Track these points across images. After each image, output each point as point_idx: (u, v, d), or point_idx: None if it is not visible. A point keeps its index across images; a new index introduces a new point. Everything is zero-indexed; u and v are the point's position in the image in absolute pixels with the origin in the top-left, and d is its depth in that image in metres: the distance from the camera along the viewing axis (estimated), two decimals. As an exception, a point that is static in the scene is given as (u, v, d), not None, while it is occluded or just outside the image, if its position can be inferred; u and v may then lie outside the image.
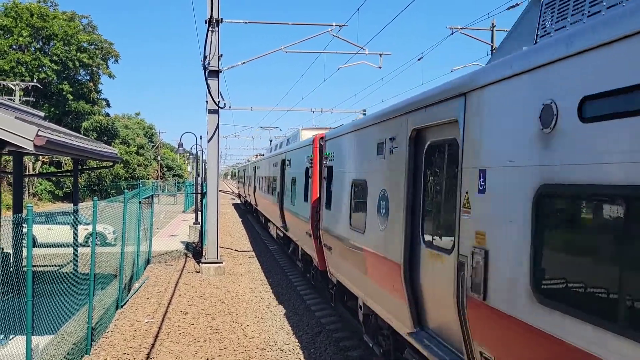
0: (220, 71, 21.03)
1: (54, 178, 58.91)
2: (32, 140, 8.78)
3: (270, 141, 48.09)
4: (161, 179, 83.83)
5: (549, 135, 4.44)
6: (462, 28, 26.03)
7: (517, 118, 4.94)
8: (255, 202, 37.72)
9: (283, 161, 21.96)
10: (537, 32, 5.56)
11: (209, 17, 20.01)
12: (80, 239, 15.74)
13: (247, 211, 52.71)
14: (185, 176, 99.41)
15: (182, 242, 26.88)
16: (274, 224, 26.66)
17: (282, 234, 23.80)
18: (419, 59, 26.60)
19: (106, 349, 11.87)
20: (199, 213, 28.35)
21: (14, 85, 51.29)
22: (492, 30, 29.16)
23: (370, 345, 10.45)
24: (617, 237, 3.85)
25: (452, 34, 25.73)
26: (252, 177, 40.21)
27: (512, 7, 23.13)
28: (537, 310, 4.51)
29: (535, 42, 5.49)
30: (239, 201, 69.70)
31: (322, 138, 14.75)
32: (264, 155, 39.69)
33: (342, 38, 23.01)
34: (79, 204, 15.26)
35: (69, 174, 30.21)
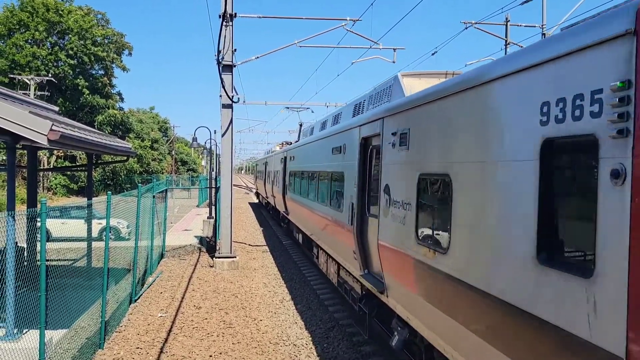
0: (234, 66, 21.00)
1: (68, 172, 59.34)
2: (46, 135, 8.79)
3: (300, 125, 35.61)
4: (175, 173, 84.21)
5: None
6: (476, 23, 25.75)
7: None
8: (286, 209, 25.58)
9: (366, 141, 10.95)
10: None
11: (223, 11, 19.98)
12: (95, 233, 15.79)
13: (261, 205, 52.64)
14: (200, 170, 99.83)
15: (195, 236, 26.95)
16: (330, 256, 15.64)
17: (360, 290, 12.06)
18: (433, 54, 26.39)
19: (120, 343, 11.91)
20: (213, 207, 28.39)
21: (29, 80, 51.68)
22: (506, 25, 28.82)
23: None
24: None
25: (466, 28, 25.44)
26: (279, 173, 27.97)
27: (526, 1, 22.85)
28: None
29: None
30: (255, 199, 64.08)
31: None
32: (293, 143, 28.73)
33: (356, 33, 22.92)
34: (93, 199, 15.30)
35: (83, 168, 30.36)
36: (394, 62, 25.20)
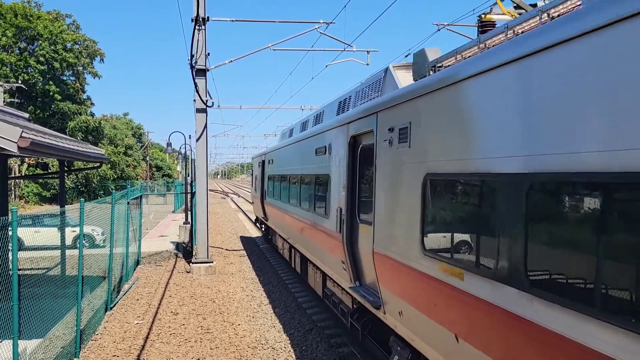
0: (208, 70, 20.90)
1: (41, 180, 58.40)
2: (16, 142, 8.67)
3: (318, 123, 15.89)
4: (150, 179, 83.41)
5: None
6: (448, 24, 25.97)
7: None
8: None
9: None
10: None
11: (196, 15, 19.89)
12: (69, 241, 15.56)
13: (238, 210, 52.36)
14: (175, 176, 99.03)
15: (172, 242, 26.73)
16: None
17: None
18: (406, 56, 26.60)
19: (95, 351, 11.77)
20: (189, 213, 28.20)
21: (-2, 87, 50.77)
22: (478, 26, 29.13)
23: None
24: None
25: (439, 30, 25.63)
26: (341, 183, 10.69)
27: (495, 4, 23.12)
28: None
29: None
30: (232, 205, 60.88)
31: None
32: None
33: (330, 35, 22.96)
34: (67, 206, 15.10)
35: (55, 175, 29.92)
36: (367, 64, 25.35)
